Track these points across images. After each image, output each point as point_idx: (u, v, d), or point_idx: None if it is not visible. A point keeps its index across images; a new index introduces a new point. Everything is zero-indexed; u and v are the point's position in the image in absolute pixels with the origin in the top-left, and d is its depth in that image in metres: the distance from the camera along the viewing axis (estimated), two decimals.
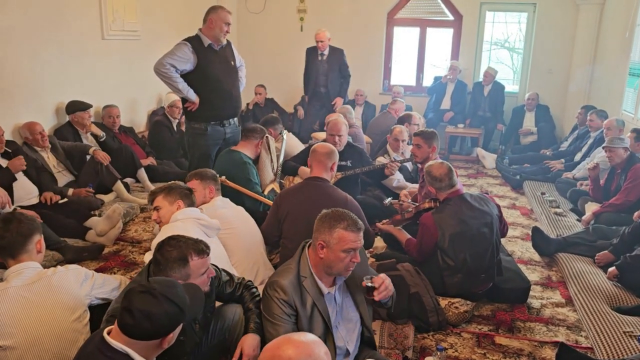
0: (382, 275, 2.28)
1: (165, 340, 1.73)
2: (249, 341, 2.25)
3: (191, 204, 2.92)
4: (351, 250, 2.18)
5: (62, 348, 2.20)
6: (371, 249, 4.02)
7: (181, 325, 1.78)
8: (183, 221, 2.71)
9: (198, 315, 2.17)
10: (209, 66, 4.26)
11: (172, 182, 3.06)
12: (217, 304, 2.48)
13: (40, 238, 2.41)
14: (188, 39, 4.26)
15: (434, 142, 4.08)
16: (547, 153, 6.78)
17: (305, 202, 3.18)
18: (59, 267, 2.38)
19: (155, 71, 4.17)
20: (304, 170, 4.46)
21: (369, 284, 2.22)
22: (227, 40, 4.46)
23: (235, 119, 4.61)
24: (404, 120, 5.60)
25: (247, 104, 7.63)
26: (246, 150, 4.12)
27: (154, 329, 1.69)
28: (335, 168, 3.45)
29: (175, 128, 6.25)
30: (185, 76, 4.24)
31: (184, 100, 4.37)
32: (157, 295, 1.70)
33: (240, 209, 3.40)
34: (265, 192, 4.12)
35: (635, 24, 5.82)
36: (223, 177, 3.81)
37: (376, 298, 2.22)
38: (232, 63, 4.47)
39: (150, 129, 6.38)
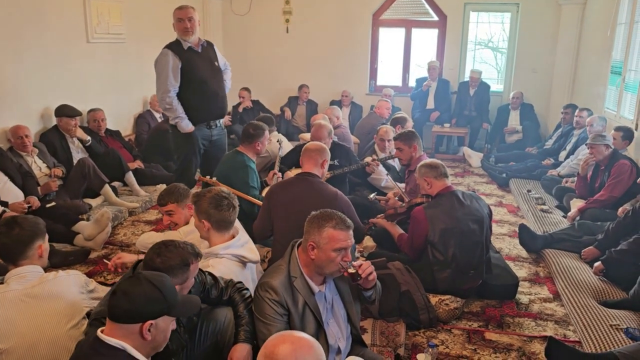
0: (360, 259, 2.29)
1: (144, 327, 1.69)
2: (239, 351, 2.24)
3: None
4: (342, 250, 2.19)
5: (58, 354, 2.18)
6: (361, 249, 4.04)
7: (165, 318, 1.75)
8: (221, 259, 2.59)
9: (186, 316, 2.16)
10: (193, 68, 4.24)
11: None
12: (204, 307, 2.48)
13: (41, 243, 2.37)
14: (168, 45, 4.25)
15: (413, 142, 4.09)
16: (532, 151, 6.86)
17: (295, 199, 3.18)
18: (60, 271, 2.36)
19: (162, 107, 4.39)
20: (288, 175, 4.45)
21: (351, 270, 2.22)
22: (208, 42, 4.44)
23: (221, 120, 4.61)
24: (397, 122, 5.48)
25: (236, 107, 7.59)
26: (249, 152, 4.03)
27: (131, 309, 1.68)
28: (326, 166, 3.46)
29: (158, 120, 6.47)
30: None
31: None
32: (140, 278, 1.74)
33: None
34: (264, 194, 4.08)
35: (616, 23, 5.91)
36: (214, 179, 3.79)
37: (362, 276, 2.22)
38: (216, 64, 4.44)
39: (135, 125, 6.55)
